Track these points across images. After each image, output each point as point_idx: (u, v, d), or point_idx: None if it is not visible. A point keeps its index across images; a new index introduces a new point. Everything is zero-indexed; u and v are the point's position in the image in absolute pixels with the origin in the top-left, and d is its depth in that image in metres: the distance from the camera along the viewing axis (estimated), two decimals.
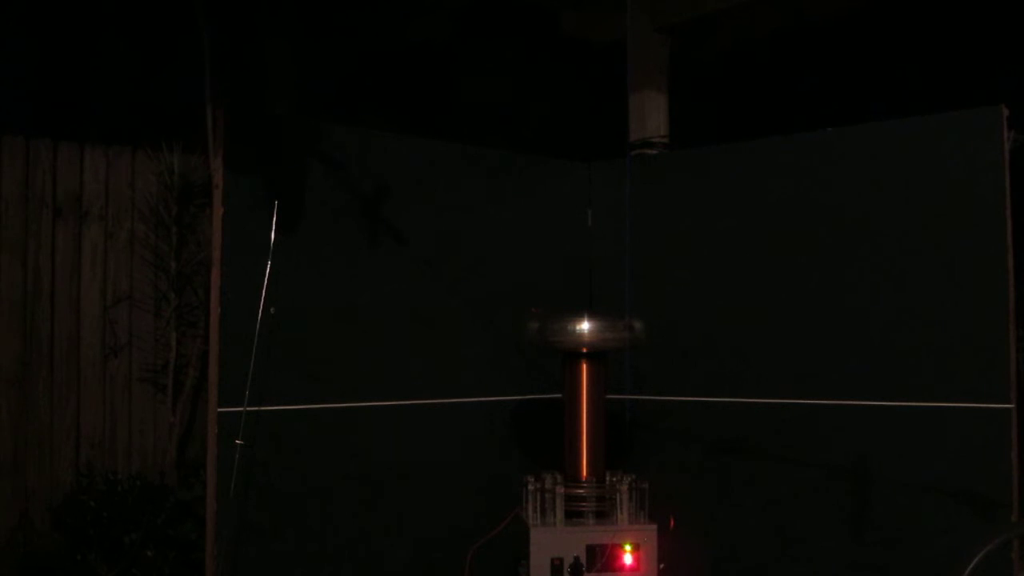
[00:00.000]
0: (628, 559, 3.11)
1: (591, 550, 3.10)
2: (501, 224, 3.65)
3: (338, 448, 3.21)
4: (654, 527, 3.16)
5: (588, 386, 3.30)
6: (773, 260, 3.40)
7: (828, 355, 3.26)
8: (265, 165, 3.08)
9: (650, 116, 3.95)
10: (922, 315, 3.08)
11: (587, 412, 3.30)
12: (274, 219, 3.01)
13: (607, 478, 3.27)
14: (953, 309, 3.03)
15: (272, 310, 3.01)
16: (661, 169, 3.77)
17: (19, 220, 3.71)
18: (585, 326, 3.18)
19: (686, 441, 3.55)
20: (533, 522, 3.16)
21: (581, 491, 3.22)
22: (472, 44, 4.88)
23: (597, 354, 3.29)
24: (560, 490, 3.19)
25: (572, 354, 3.29)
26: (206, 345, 3.39)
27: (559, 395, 3.38)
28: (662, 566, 3.16)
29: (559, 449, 3.35)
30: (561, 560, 3.09)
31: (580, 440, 3.30)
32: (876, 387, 3.15)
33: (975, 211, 3.01)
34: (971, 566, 1.87)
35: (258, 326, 2.96)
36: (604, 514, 3.21)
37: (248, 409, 2.94)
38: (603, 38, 4.31)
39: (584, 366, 3.30)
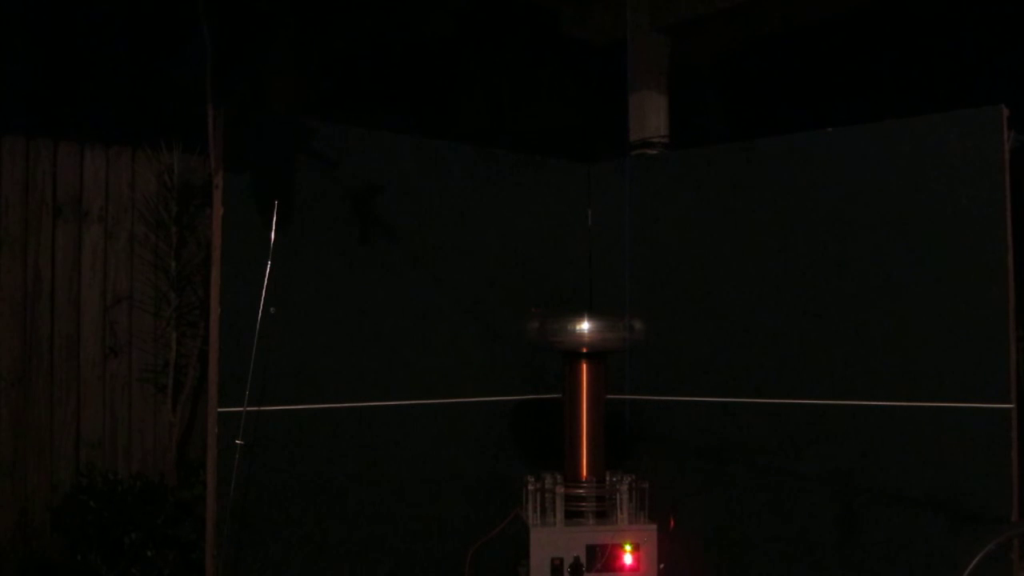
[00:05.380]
0: (628, 559, 3.11)
1: (591, 550, 3.10)
2: (501, 224, 3.65)
3: (338, 448, 3.21)
4: (654, 527, 3.16)
5: (588, 386, 3.30)
6: (773, 260, 3.40)
7: (828, 355, 3.26)
8: (265, 165, 3.08)
9: (650, 116, 3.95)
10: (922, 315, 3.08)
11: (587, 412, 3.30)
12: (274, 219, 3.01)
13: (607, 478, 3.27)
14: (953, 309, 3.03)
15: (272, 310, 3.01)
16: (661, 169, 3.77)
17: (19, 220, 3.71)
18: (585, 326, 3.18)
19: (686, 441, 3.55)
20: (533, 522, 3.16)
21: (581, 491, 3.22)
22: (472, 44, 4.88)
23: (597, 354, 3.29)
24: (560, 490, 3.19)
25: (572, 354, 3.29)
26: (206, 345, 3.38)
27: (559, 395, 3.38)
28: (662, 566, 3.17)
29: (559, 449, 3.35)
30: (561, 560, 3.09)
31: (580, 440, 3.30)
32: (876, 387, 3.15)
33: (975, 211, 3.01)
34: (971, 566, 1.87)
35: (258, 326, 2.96)
36: (604, 514, 3.21)
37: (248, 409, 2.95)
38: (603, 38, 4.31)
39: (584, 366, 3.30)
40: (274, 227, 3.01)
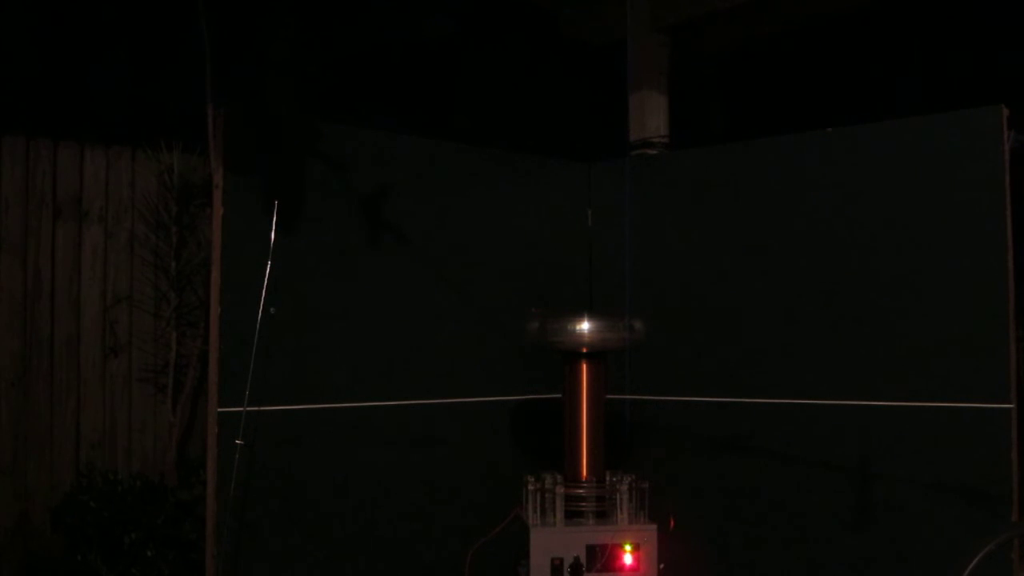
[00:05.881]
0: (628, 559, 3.11)
1: (591, 550, 3.10)
2: (501, 224, 3.65)
3: (338, 448, 3.21)
4: (654, 527, 3.16)
5: (588, 386, 3.30)
6: (773, 260, 3.40)
7: (828, 355, 3.26)
8: (265, 165, 3.08)
9: (650, 116, 3.95)
10: (922, 315, 3.08)
11: (587, 412, 3.30)
12: (274, 219, 3.01)
13: (607, 478, 3.27)
14: (953, 309, 3.03)
15: (272, 310, 3.01)
16: (661, 169, 3.77)
17: (19, 220, 3.71)
18: (585, 326, 3.18)
19: (686, 441, 3.55)
20: (533, 522, 3.16)
21: (581, 491, 3.22)
22: (472, 44, 4.88)
23: (597, 354, 3.29)
24: (560, 490, 3.19)
25: (572, 354, 3.29)
26: (206, 345, 3.39)
27: (559, 395, 3.38)
28: (662, 566, 3.17)
29: (559, 449, 3.35)
30: (561, 560, 3.09)
31: (580, 440, 3.30)
32: (876, 387, 3.15)
33: (975, 211, 3.01)
34: (971, 566, 1.87)
35: (258, 326, 2.96)
36: (604, 514, 3.21)
37: (248, 409, 2.95)
38: (603, 38, 4.31)
39: (584, 366, 3.30)
40: (274, 227, 3.01)
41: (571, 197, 3.83)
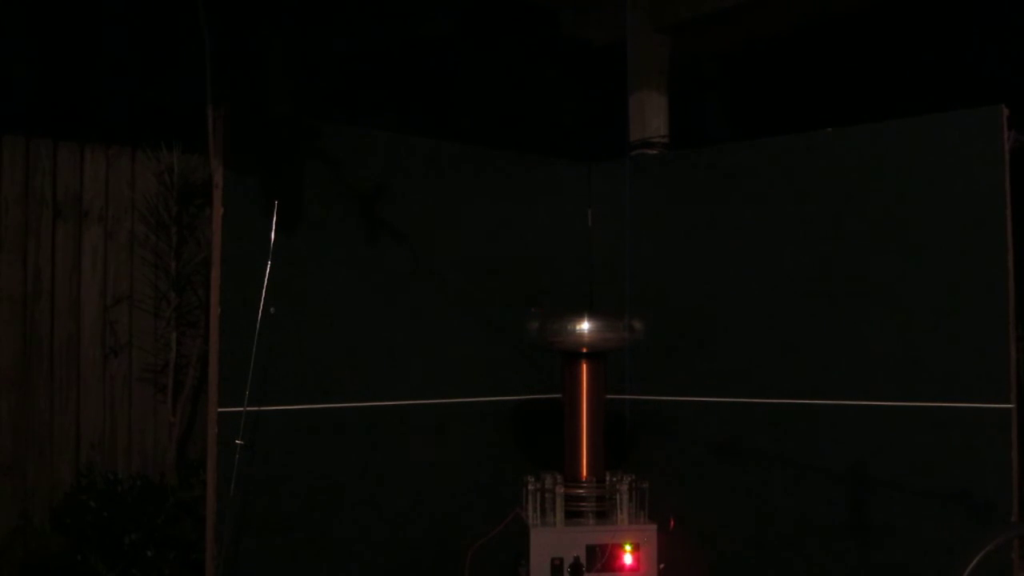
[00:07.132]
0: (628, 559, 3.11)
1: (591, 550, 3.10)
2: (501, 224, 3.65)
3: (338, 448, 3.21)
4: (654, 527, 3.16)
5: (588, 386, 3.30)
6: (772, 260, 3.40)
7: (827, 355, 3.26)
8: (265, 165, 3.08)
9: (650, 116, 3.95)
10: (922, 315, 3.08)
11: (587, 412, 3.30)
12: (274, 219, 3.01)
13: (607, 478, 3.27)
14: (953, 309, 3.03)
15: (272, 310, 3.01)
16: (661, 169, 3.77)
17: (19, 220, 3.71)
18: (585, 326, 3.18)
19: (686, 441, 3.55)
20: (533, 522, 3.16)
21: (581, 491, 3.22)
22: (472, 44, 4.88)
23: (597, 354, 3.29)
24: (560, 490, 3.19)
25: (572, 354, 3.29)
26: (206, 345, 3.39)
27: (559, 395, 3.38)
28: (662, 566, 3.17)
29: (559, 449, 3.35)
30: (561, 560, 3.09)
31: (580, 440, 3.30)
32: (876, 387, 3.15)
33: (975, 211, 3.01)
34: (971, 566, 1.87)
35: (258, 326, 2.96)
36: (604, 514, 3.21)
37: (248, 409, 2.95)
38: (603, 38, 4.31)
39: (584, 366, 3.30)
40: (274, 227, 3.01)
41: (571, 197, 3.83)
